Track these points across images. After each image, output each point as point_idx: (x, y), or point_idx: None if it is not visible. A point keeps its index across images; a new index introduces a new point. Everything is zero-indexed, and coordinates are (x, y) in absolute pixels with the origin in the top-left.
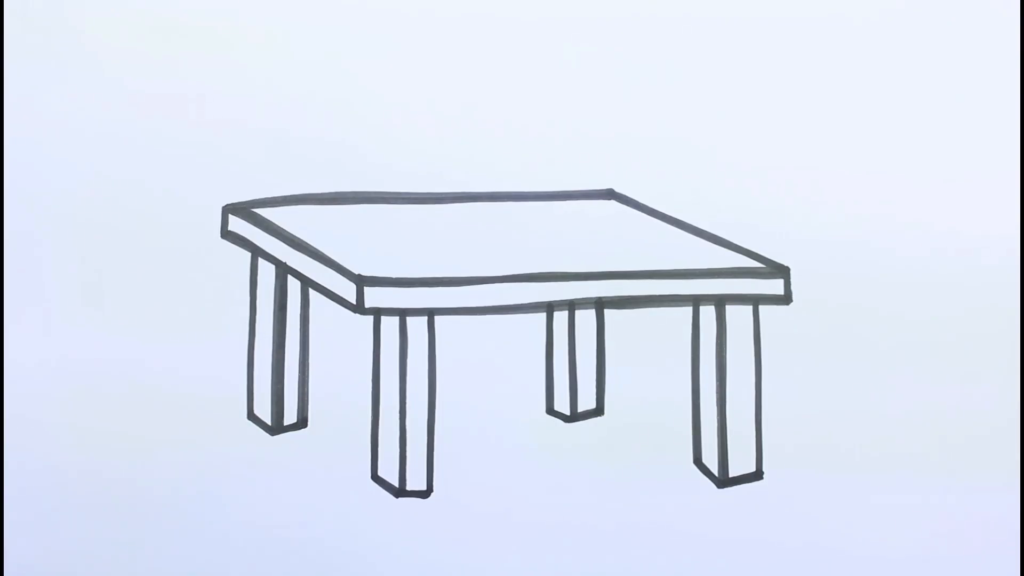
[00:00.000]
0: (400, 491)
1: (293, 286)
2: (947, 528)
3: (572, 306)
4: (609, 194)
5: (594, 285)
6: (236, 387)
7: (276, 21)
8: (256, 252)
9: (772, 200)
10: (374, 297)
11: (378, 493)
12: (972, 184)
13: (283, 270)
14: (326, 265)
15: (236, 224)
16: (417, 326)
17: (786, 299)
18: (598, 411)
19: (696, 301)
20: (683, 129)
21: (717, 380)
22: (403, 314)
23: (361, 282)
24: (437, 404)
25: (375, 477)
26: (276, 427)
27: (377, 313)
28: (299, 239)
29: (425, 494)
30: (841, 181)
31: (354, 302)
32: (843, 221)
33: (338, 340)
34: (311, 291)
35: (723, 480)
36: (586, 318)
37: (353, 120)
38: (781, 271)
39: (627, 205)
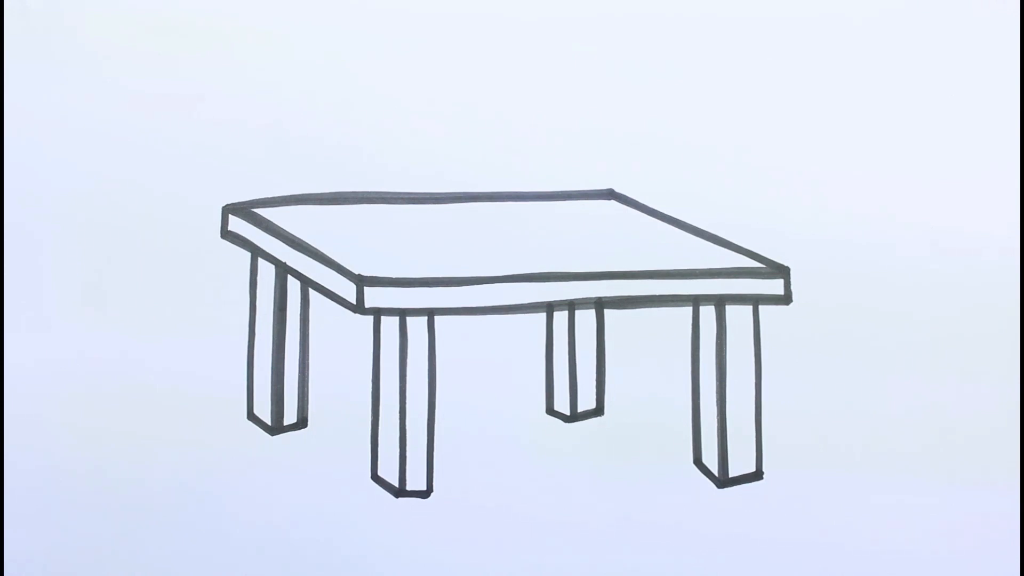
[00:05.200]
0: (400, 491)
1: (293, 286)
2: (947, 528)
3: (572, 306)
4: (609, 194)
5: (594, 285)
6: (236, 387)
7: (276, 21)
8: (256, 252)
9: (772, 200)
10: (374, 297)
11: (378, 493)
12: (972, 184)
13: (283, 270)
14: (326, 265)
15: (236, 224)
16: (417, 326)
17: (786, 299)
18: (598, 411)
19: (696, 301)
20: (683, 129)
21: (717, 380)
22: (403, 314)
23: (361, 282)
24: (437, 404)
25: (375, 477)
26: (276, 427)
27: (377, 313)
28: (299, 239)
29: (425, 494)
30: (841, 181)
31: (354, 302)
32: (843, 221)
33: (338, 340)
34: (311, 291)
35: (723, 480)
36: (586, 318)
37: (353, 120)
38: (781, 271)
39: (627, 205)
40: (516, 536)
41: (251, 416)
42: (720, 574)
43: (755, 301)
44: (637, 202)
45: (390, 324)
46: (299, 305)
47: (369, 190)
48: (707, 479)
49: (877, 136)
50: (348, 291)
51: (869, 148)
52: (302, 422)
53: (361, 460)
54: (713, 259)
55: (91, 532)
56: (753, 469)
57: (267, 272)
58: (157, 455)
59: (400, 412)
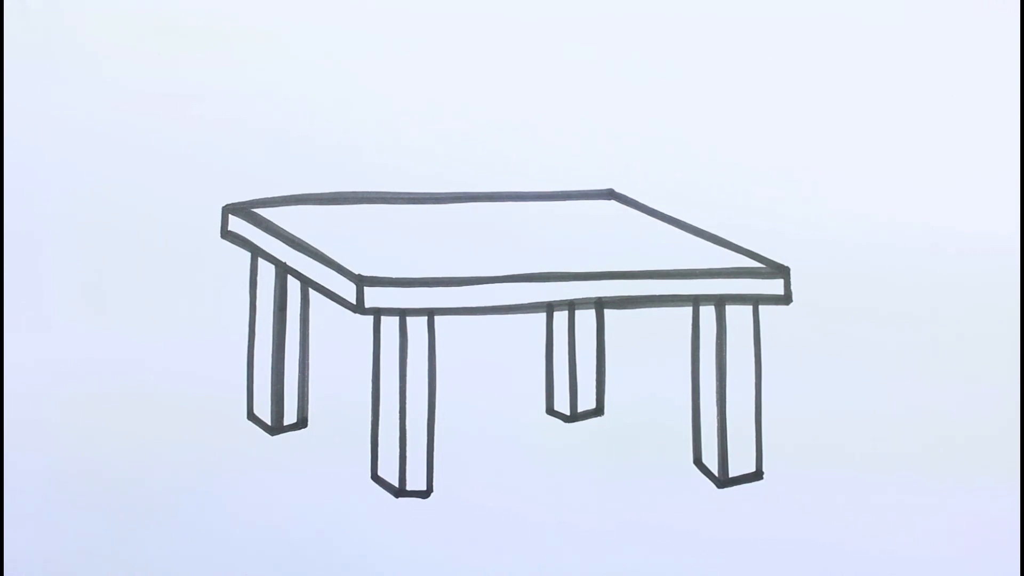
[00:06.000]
0: (400, 491)
1: (293, 286)
2: (947, 528)
3: (572, 306)
4: (609, 194)
5: (594, 285)
6: (236, 387)
7: (276, 21)
8: (256, 252)
9: (772, 200)
10: (374, 297)
11: (378, 493)
12: (972, 184)
13: (283, 270)
14: (326, 265)
15: (236, 224)
16: (417, 326)
17: (786, 299)
18: (598, 411)
19: (696, 301)
20: (683, 129)
21: (717, 380)
22: (403, 314)
23: (361, 282)
24: (437, 404)
25: (375, 477)
26: (276, 427)
27: (377, 313)
28: (299, 239)
29: (425, 494)
30: (841, 181)
31: (354, 302)
32: (843, 221)
33: (338, 340)
34: (311, 291)
35: (723, 480)
36: (586, 318)
37: (353, 120)
38: (781, 271)
39: (627, 205)
40: (516, 536)
41: (251, 416)
42: (720, 574)
43: (755, 301)
44: (637, 202)
45: (390, 324)
46: (299, 305)
47: (369, 190)
48: (707, 479)
49: (877, 136)
50: (348, 291)
51: (869, 148)
52: (302, 422)
53: (361, 460)
54: (713, 259)
55: (91, 532)
56: (753, 469)
57: (267, 272)
58: (157, 455)
59: (400, 412)
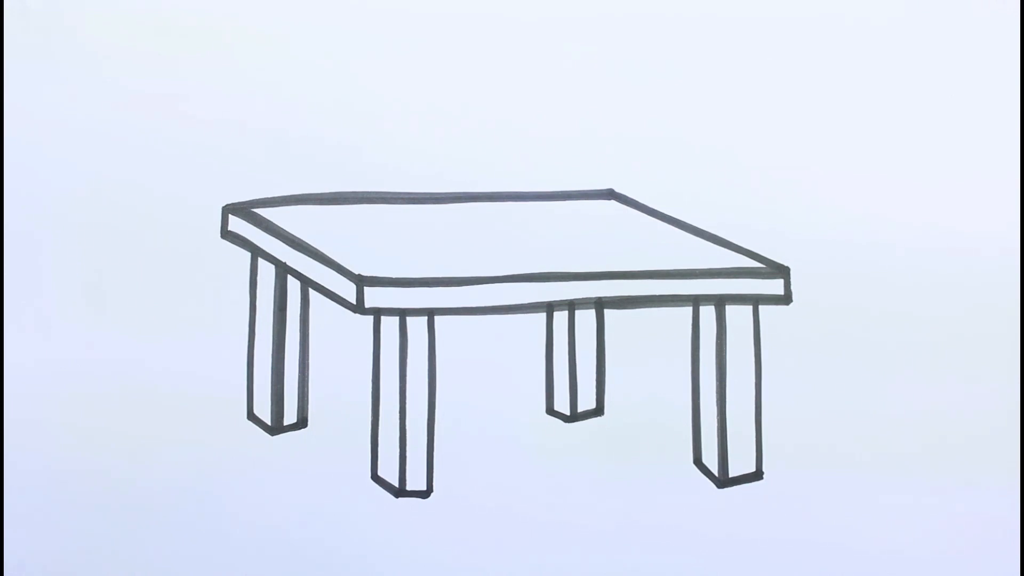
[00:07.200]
0: (400, 491)
1: (293, 286)
2: (947, 528)
3: (572, 306)
4: (609, 194)
5: (594, 285)
6: (236, 387)
7: (276, 21)
8: (256, 252)
9: (772, 200)
10: (374, 297)
11: (378, 493)
12: (972, 184)
13: (283, 270)
14: (326, 265)
15: (236, 224)
16: (417, 326)
17: (786, 299)
18: (598, 411)
19: (696, 301)
20: (683, 129)
21: (717, 380)
22: (403, 314)
23: (361, 282)
24: (437, 404)
25: (375, 477)
26: (276, 427)
27: (377, 313)
28: (299, 239)
29: (425, 494)
30: (841, 181)
31: (354, 302)
32: (843, 221)
33: (338, 340)
34: (311, 291)
35: (723, 480)
36: (586, 318)
37: (353, 120)
38: (781, 271)
39: (627, 205)
40: (516, 536)
41: (251, 416)
42: (720, 574)
43: (755, 301)
44: (637, 202)
45: (390, 324)
46: (299, 305)
47: (369, 190)
48: (707, 479)
49: (877, 136)
50: (348, 291)
51: (869, 148)
52: (302, 422)
53: (361, 460)
54: (713, 259)
55: (91, 532)
56: (753, 469)
57: (267, 272)
58: (157, 455)
59: (400, 412)
